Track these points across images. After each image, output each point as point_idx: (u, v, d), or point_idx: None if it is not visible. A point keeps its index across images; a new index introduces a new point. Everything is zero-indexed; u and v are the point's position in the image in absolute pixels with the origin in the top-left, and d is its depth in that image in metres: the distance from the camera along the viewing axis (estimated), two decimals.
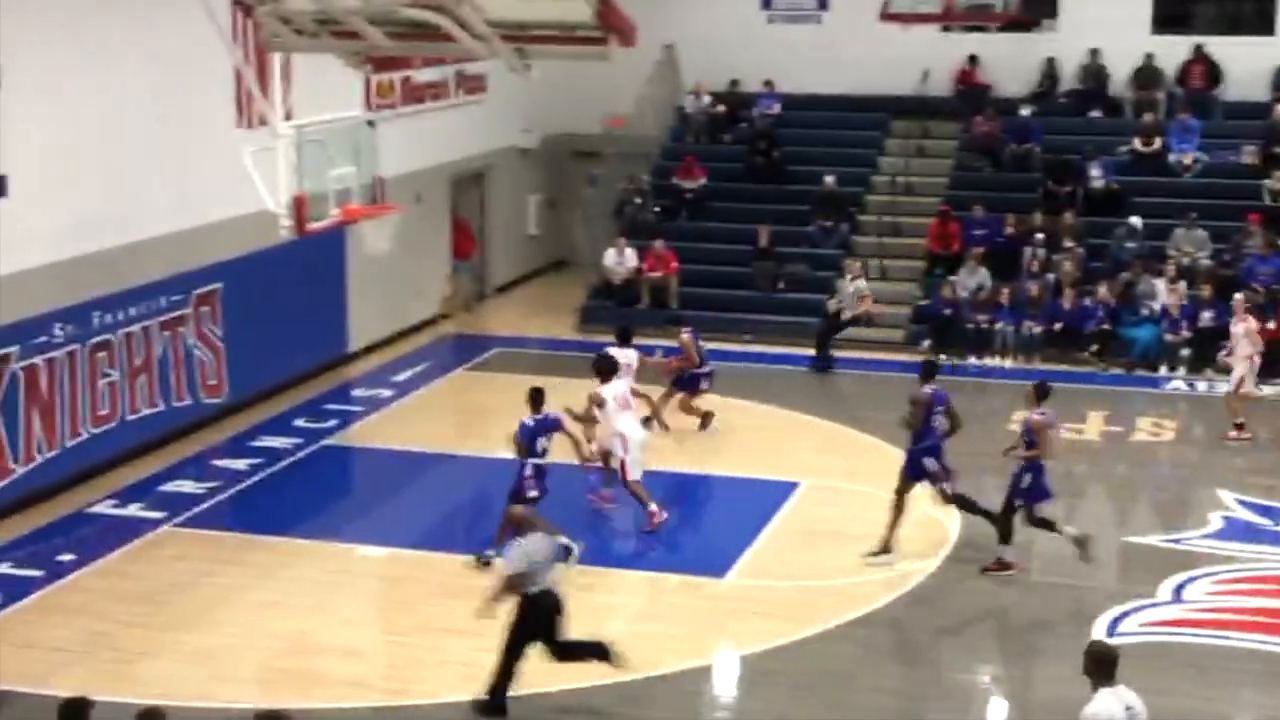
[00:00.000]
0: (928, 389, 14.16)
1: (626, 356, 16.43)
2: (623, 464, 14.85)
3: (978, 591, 13.60)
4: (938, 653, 12.45)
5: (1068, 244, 22.44)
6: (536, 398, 13.97)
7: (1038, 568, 14.55)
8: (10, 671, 11.35)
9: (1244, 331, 18.13)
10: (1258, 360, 18.15)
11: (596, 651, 11.12)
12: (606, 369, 15.38)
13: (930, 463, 14.03)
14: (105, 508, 15.33)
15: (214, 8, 14.61)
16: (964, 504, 14.25)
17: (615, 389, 15.22)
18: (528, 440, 13.67)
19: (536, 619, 10.87)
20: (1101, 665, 8.51)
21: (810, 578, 13.83)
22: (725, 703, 12.03)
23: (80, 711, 8.32)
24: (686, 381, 17.95)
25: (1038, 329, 21.29)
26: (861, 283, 21.69)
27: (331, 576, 13.79)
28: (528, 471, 13.66)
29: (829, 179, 24.02)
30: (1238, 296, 19.09)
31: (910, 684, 11.94)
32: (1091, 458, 17.63)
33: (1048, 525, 13.94)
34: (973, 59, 25.61)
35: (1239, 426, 17.95)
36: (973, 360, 21.46)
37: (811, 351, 21.31)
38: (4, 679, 9.13)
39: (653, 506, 14.80)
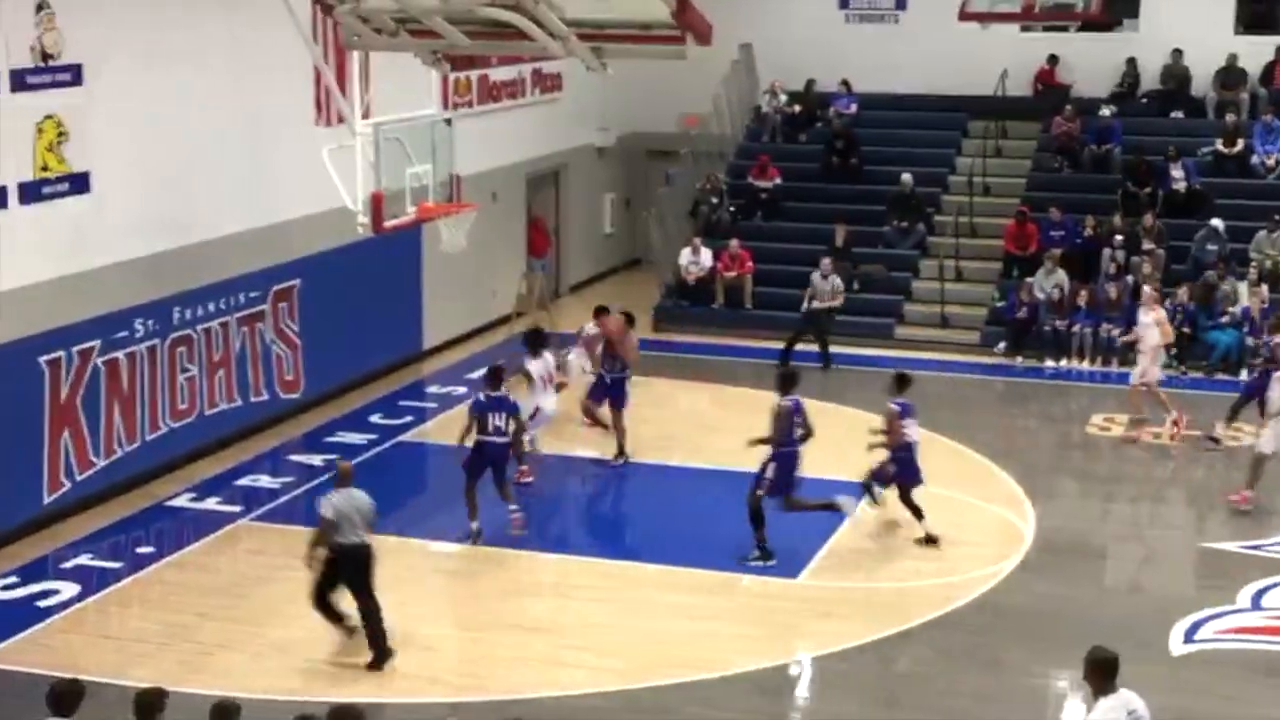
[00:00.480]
0: (787, 401, 14.18)
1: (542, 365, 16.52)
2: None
3: (1052, 595, 13.48)
4: (1013, 656, 12.33)
5: (1147, 246, 22.14)
6: (493, 376, 14.66)
7: (1113, 571, 14.46)
8: (89, 662, 11.54)
9: (1153, 321, 17.87)
10: (1162, 354, 18.04)
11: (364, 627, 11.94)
12: (535, 344, 16.21)
13: (771, 468, 13.99)
14: (183, 501, 15.54)
15: (294, 6, 14.82)
16: (793, 505, 14.24)
17: (541, 366, 16.17)
18: (477, 413, 14.35)
19: (344, 567, 11.77)
20: (1099, 671, 8.42)
21: (883, 579, 13.79)
22: (798, 704, 12.00)
23: (155, 702, 8.45)
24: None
25: (1116, 332, 21.02)
26: (837, 280, 21.52)
27: (406, 572, 13.85)
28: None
29: (906, 178, 23.87)
30: (1147, 289, 18.97)
31: (986, 688, 11.83)
32: (1170, 462, 17.40)
33: (916, 511, 14.35)
34: (1053, 59, 25.36)
35: (1139, 423, 17.67)
36: (1049, 363, 21.25)
37: (882, 353, 21.18)
38: (83, 669, 9.28)
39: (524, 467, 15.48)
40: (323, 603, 12.00)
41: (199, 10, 16.21)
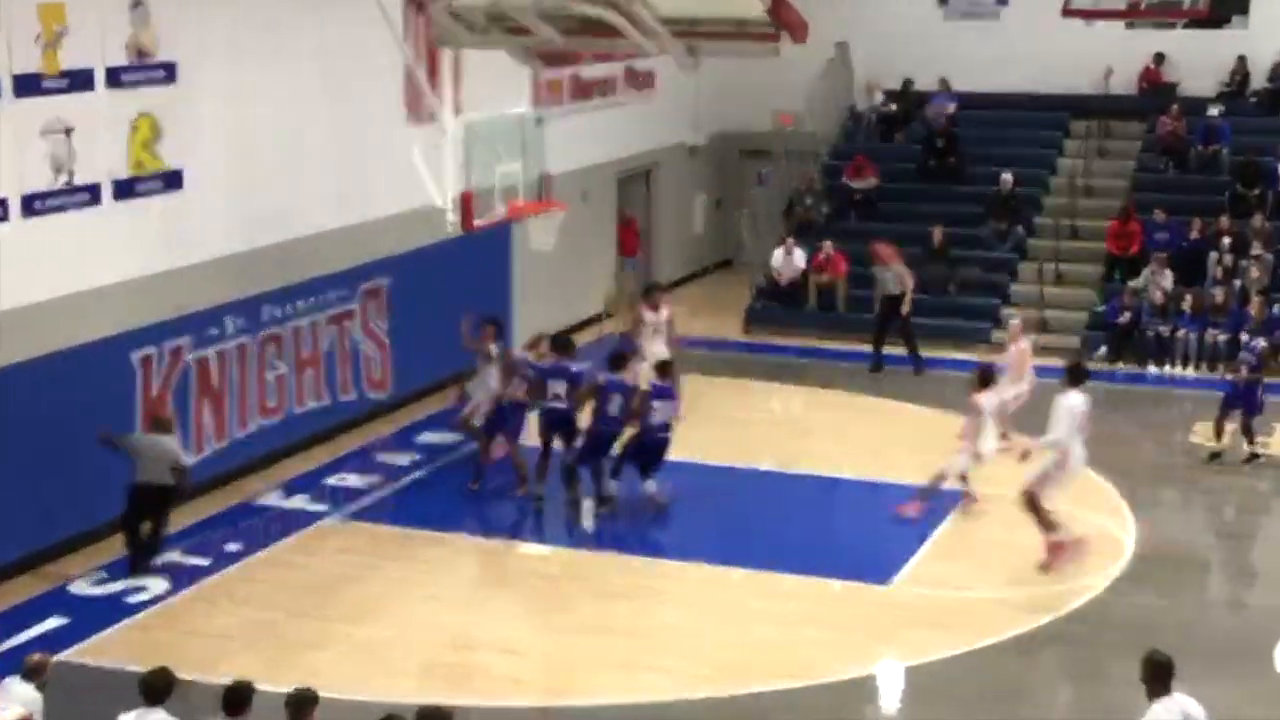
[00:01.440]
0: (603, 376, 15.37)
1: None
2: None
3: (1152, 607, 13.25)
4: (1112, 670, 12.10)
5: (1256, 250, 21.70)
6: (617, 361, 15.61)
7: (1215, 584, 14.19)
8: (178, 657, 11.55)
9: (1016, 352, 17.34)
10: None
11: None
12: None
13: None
14: (272, 499, 15.68)
15: (386, 3, 14.93)
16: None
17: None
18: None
19: (135, 501, 13.44)
20: (1157, 675, 8.51)
21: (978, 589, 13.61)
22: (888, 714, 11.88)
23: (243, 697, 8.54)
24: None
25: (1223, 337, 20.61)
26: (900, 266, 21.20)
27: (492, 573, 13.96)
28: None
29: (1005, 179, 23.58)
30: (1014, 321, 18.47)
31: (1083, 701, 11.65)
32: (1275, 472, 17.02)
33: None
34: (1159, 56, 24.93)
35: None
36: (1152, 369, 20.90)
37: (979, 357, 20.93)
38: (173, 665, 9.39)
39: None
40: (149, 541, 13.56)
41: (290, 8, 16.37)
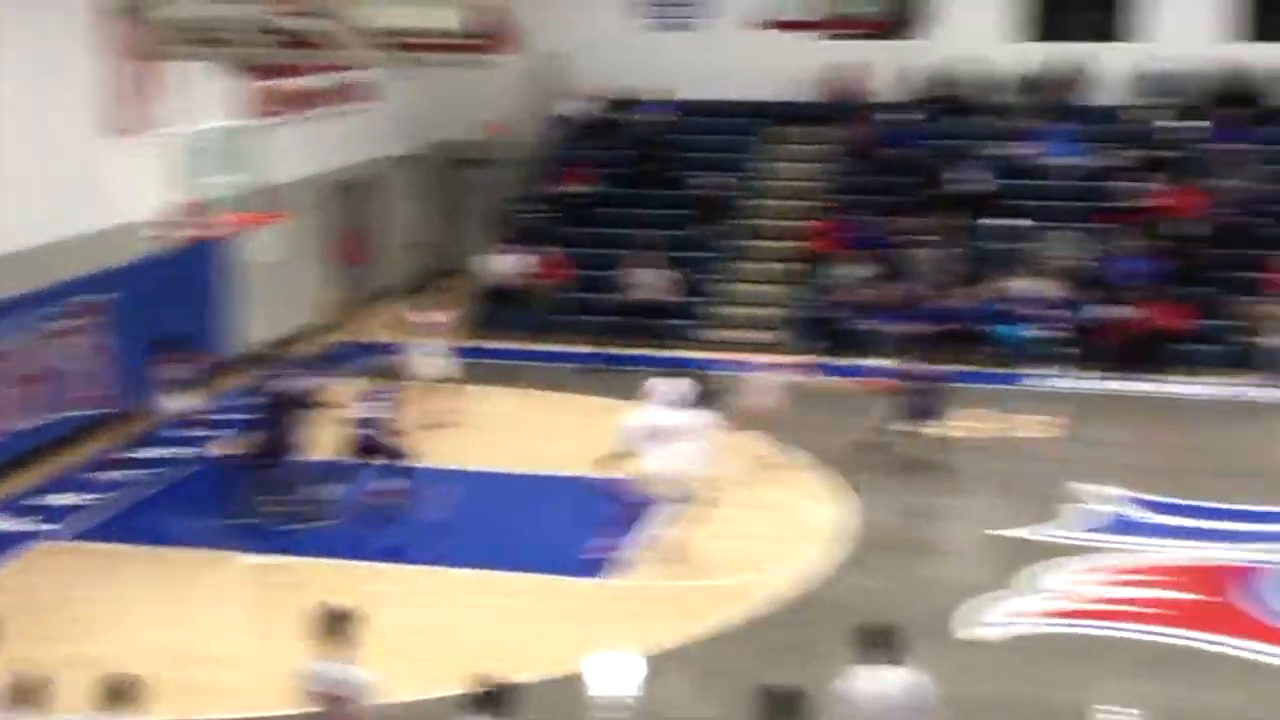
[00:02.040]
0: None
1: None
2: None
3: (860, 588, 13.58)
4: (827, 649, 12.41)
5: (941, 246, 22.65)
6: None
7: (913, 562, 14.68)
8: None
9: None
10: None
11: None
12: None
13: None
14: None
15: (96, 18, 14.30)
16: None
17: None
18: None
19: None
20: (866, 641, 8.58)
21: (699, 577, 13.75)
22: (607, 705, 11.93)
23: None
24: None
25: (917, 328, 21.47)
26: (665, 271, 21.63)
27: (214, 587, 13.49)
28: None
29: (707, 181, 24.15)
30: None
31: (801, 682, 11.87)
32: (971, 454, 17.78)
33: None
34: (851, 65, 25.73)
35: None
36: (853, 360, 21.60)
37: (685, 354, 21.32)
38: None
39: None
40: None
41: None
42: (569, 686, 11.59)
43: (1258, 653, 12.34)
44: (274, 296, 20.86)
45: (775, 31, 21.28)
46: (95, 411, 17.39)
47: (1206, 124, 23.94)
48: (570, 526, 15.30)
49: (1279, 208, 22.68)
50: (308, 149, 21.90)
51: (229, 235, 16.34)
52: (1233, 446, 18.31)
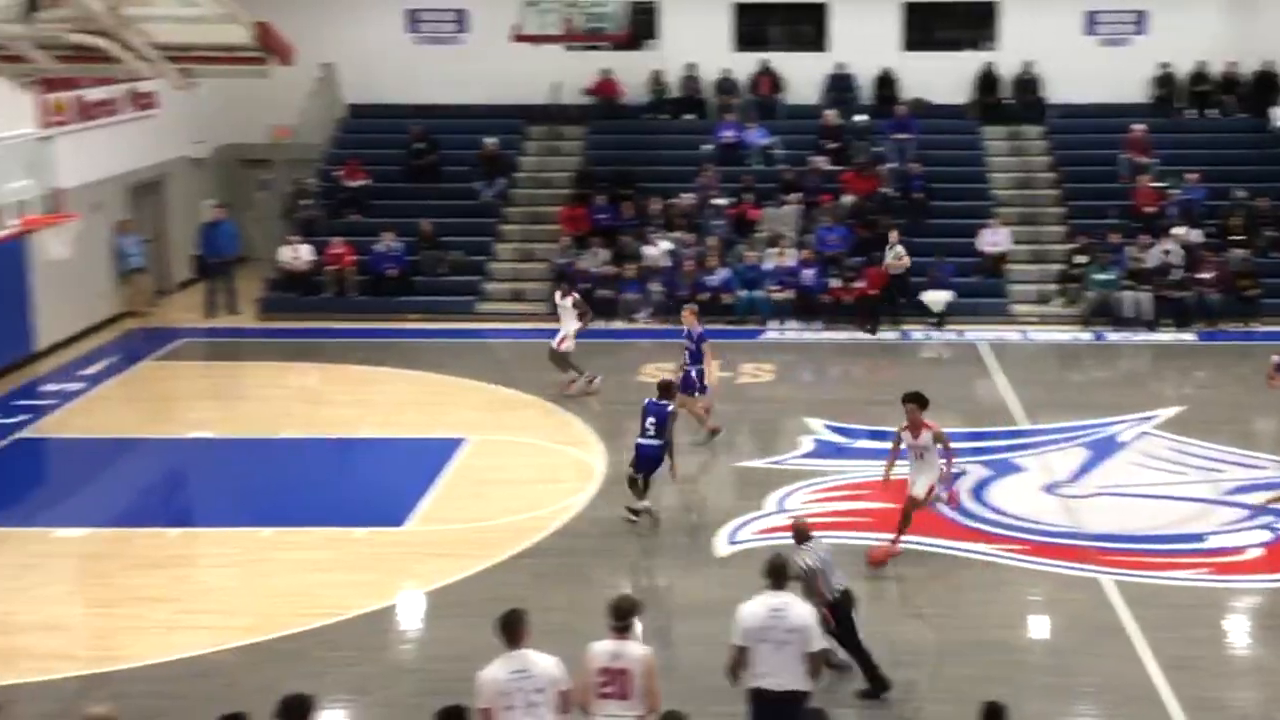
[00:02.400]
0: None
1: None
2: None
3: (619, 520, 13.56)
4: (596, 572, 12.39)
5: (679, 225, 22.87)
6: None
7: (670, 493, 14.73)
8: None
9: (571, 304, 18.01)
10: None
11: None
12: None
13: None
14: None
15: None
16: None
17: None
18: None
19: None
20: (770, 572, 8.56)
21: (480, 519, 13.57)
22: (412, 635, 11.64)
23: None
24: None
25: (662, 295, 21.60)
26: (900, 248, 21.56)
27: (31, 559, 12.63)
28: None
29: (489, 141, 24.08)
30: (563, 298, 18.10)
31: (577, 601, 11.82)
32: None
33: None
34: (604, 71, 25.60)
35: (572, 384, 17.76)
36: (602, 324, 21.60)
37: (466, 325, 21.02)
38: None
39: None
40: None
41: None
42: (367, 624, 11.28)
43: (943, 547, 12.89)
44: (72, 292, 19.75)
45: (525, 45, 20.97)
46: None
47: (874, 120, 24.77)
48: (369, 482, 14.93)
49: (929, 183, 23.63)
50: (101, 153, 20.75)
51: (25, 236, 15.29)
52: (909, 381, 18.93)
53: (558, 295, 18.39)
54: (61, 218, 15.64)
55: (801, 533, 10.19)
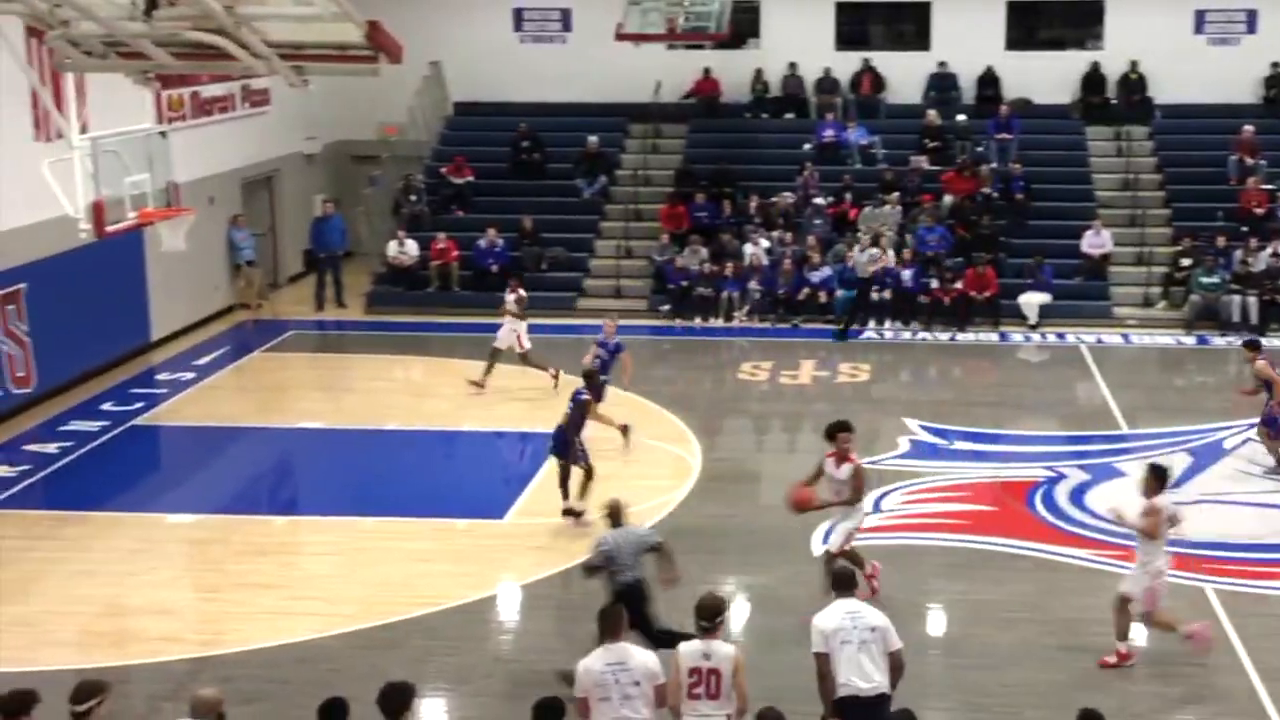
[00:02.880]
0: None
1: None
2: None
3: (717, 515, 13.57)
4: (691, 569, 12.30)
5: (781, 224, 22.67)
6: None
7: (765, 491, 14.66)
8: None
9: (515, 299, 17.89)
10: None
11: None
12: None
13: None
14: None
15: (7, 31, 13.58)
16: None
17: None
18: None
19: None
20: (839, 583, 8.59)
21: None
22: (510, 627, 11.69)
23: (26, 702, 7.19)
24: None
25: (760, 294, 21.45)
26: (875, 250, 21.40)
27: (143, 544, 12.92)
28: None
29: (593, 140, 24.05)
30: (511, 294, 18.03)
31: (669, 598, 11.75)
32: (802, 398, 17.81)
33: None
34: (706, 70, 25.53)
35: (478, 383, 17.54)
36: (698, 322, 21.50)
37: (567, 321, 21.05)
38: None
39: None
40: None
41: None
42: (466, 615, 11.35)
43: (1043, 551, 12.66)
44: (185, 283, 20.17)
45: (628, 44, 20.97)
46: (21, 391, 16.60)
47: (976, 120, 24.33)
48: (472, 475, 15.05)
49: (1030, 184, 23.12)
50: (215, 149, 21.16)
51: (142, 228, 15.63)
52: (1008, 384, 18.68)
53: (508, 291, 18.05)
54: (177, 211, 15.90)
55: (615, 514, 10.17)
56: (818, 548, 12.67)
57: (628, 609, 9.49)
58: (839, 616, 8.30)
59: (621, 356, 15.96)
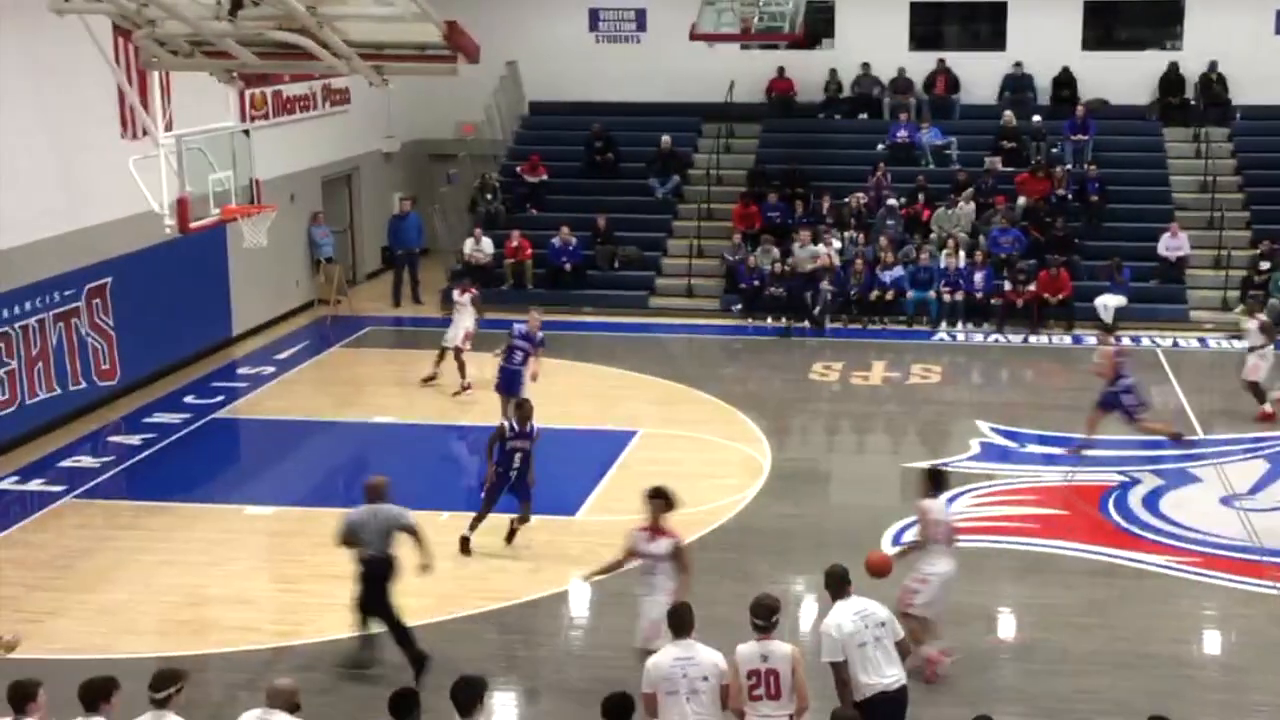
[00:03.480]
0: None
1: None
2: None
3: (787, 515, 13.45)
4: (760, 568, 12.23)
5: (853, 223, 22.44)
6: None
7: (836, 491, 14.53)
8: None
9: (469, 300, 17.61)
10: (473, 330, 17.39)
11: None
12: None
13: None
14: (8, 484, 14.31)
15: (96, 31, 13.77)
16: None
17: None
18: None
19: None
20: (834, 581, 8.41)
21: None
22: (581, 623, 11.66)
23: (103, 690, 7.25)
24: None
25: (832, 294, 21.23)
26: (816, 247, 21.22)
27: (223, 535, 13.06)
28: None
29: (665, 139, 23.95)
30: (462, 295, 17.75)
31: (740, 594, 11.64)
32: (874, 399, 17.61)
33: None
34: (780, 70, 25.36)
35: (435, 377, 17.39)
36: (770, 322, 21.33)
37: (638, 320, 21.00)
38: None
39: None
40: None
41: (3, 34, 14.89)
42: (538, 610, 11.32)
43: (1112, 556, 12.42)
44: (267, 278, 20.39)
45: (702, 44, 20.86)
46: (106, 383, 16.83)
47: (1051, 121, 23.89)
48: (544, 470, 14.99)
49: (1106, 186, 22.70)
50: (296, 147, 21.34)
51: (225, 224, 15.80)
52: (1082, 387, 18.24)
53: (456, 292, 17.81)
54: (259, 208, 16.06)
55: (373, 491, 10.24)
56: (886, 549, 12.54)
57: (365, 585, 9.62)
58: (850, 619, 8.16)
59: (539, 351, 15.56)
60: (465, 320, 17.42)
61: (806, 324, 20.88)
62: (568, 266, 22.31)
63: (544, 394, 17.36)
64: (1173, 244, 21.55)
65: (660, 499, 9.66)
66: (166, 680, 7.26)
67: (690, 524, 12.98)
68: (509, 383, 15.29)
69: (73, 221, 16.04)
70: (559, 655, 10.73)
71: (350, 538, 10.23)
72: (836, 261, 21.62)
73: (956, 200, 22.52)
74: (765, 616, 7.87)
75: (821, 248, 21.28)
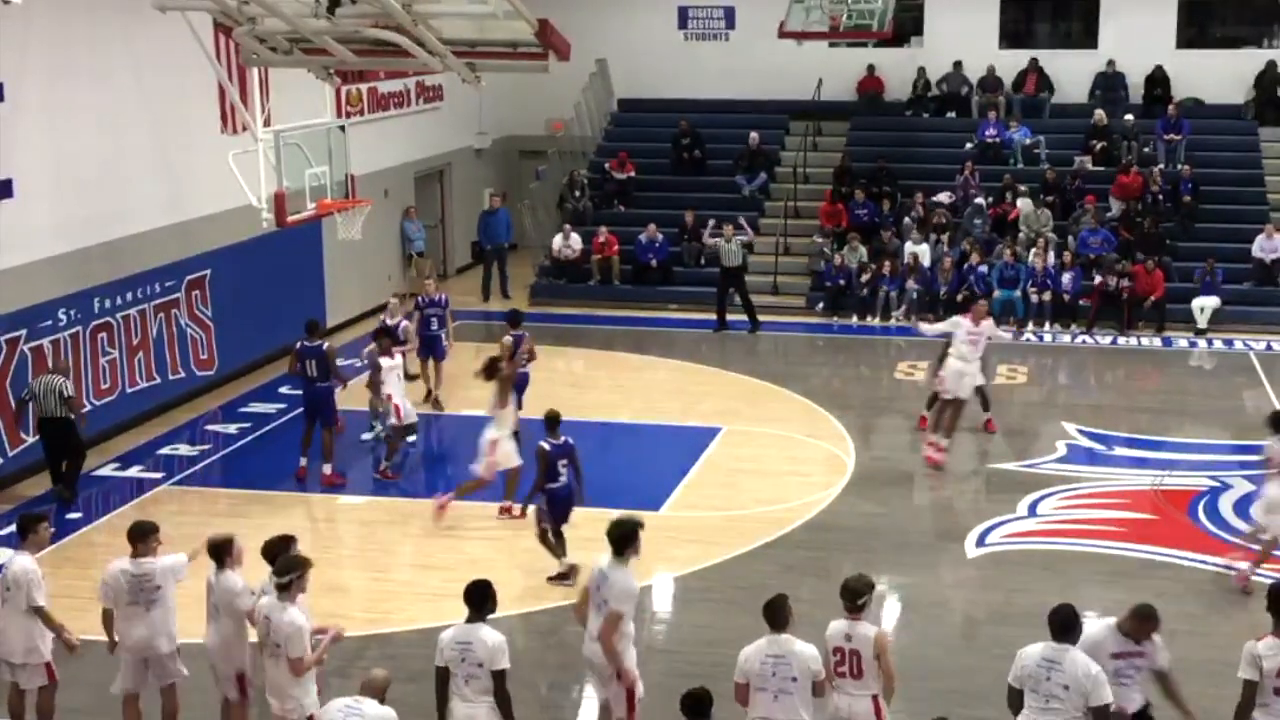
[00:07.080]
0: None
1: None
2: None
3: (871, 514, 13.24)
4: (842, 566, 12.01)
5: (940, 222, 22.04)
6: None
7: (920, 492, 14.26)
8: None
9: (399, 362, 15.76)
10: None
11: None
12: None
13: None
14: (109, 470, 14.55)
15: (197, 28, 13.99)
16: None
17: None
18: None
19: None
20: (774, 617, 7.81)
21: (732, 508, 13.39)
22: (663, 617, 11.55)
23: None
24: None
25: (918, 293, 20.91)
26: (741, 237, 20.85)
27: (315, 524, 13.15)
28: None
29: (754, 136, 23.79)
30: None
31: (820, 594, 11.46)
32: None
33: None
34: (870, 68, 25.03)
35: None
36: (855, 320, 21.05)
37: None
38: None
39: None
40: None
41: (106, 31, 15.17)
42: None
43: (1202, 562, 12.09)
44: (361, 271, 20.55)
45: (790, 41, 20.62)
46: (204, 373, 17.08)
47: (1143, 120, 23.33)
48: (629, 466, 14.94)
49: (1199, 186, 22.11)
50: (390, 143, 21.50)
51: (321, 218, 15.95)
52: (1172, 389, 17.92)
53: (374, 349, 14.89)
54: (354, 203, 16.20)
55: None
56: (970, 549, 12.30)
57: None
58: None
59: (450, 315, 16.62)
60: (392, 387, 14.41)
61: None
62: (654, 263, 22.20)
63: (630, 390, 17.38)
64: (1268, 245, 20.88)
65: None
66: (289, 567, 8.27)
67: (772, 521, 12.90)
68: (430, 347, 16.41)
69: (174, 214, 16.29)
70: (640, 649, 10.58)
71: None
72: (926, 261, 21.28)
73: (1045, 200, 22.03)
74: (850, 599, 7.90)
75: (746, 236, 20.86)
